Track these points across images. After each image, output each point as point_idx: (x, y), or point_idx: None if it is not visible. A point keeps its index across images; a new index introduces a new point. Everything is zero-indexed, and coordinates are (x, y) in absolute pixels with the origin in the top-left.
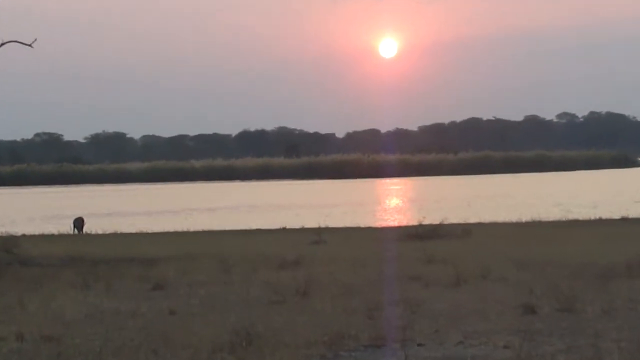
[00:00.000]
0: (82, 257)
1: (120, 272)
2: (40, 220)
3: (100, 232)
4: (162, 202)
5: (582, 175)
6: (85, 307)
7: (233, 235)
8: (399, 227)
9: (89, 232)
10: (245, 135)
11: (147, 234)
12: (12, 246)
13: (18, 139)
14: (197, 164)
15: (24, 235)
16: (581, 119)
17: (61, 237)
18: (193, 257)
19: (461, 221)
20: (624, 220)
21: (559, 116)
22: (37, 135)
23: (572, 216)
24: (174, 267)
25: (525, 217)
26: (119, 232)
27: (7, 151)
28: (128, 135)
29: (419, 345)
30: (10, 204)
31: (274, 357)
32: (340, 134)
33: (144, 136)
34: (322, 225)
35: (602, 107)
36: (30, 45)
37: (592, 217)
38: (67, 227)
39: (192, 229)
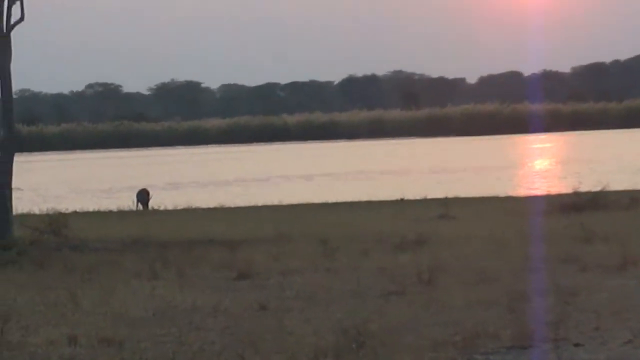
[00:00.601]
0: (148, 239)
1: (196, 257)
2: (94, 194)
3: (170, 207)
4: (247, 168)
5: None
6: (153, 302)
7: (337, 209)
8: (548, 197)
9: (156, 207)
10: (350, 83)
11: (229, 209)
12: (60, 226)
13: (65, 92)
14: (291, 119)
15: (75, 213)
16: None
17: (121, 214)
18: (287, 238)
19: (628, 187)
20: None
21: None
22: (89, 86)
23: None
24: (263, 250)
25: None
26: (193, 207)
27: (52, 107)
28: (203, 85)
29: (575, 345)
30: (57, 173)
31: None
32: (472, 78)
33: (224, 85)
34: (450, 196)
35: None
36: None
37: None
38: (129, 202)
39: (284, 202)
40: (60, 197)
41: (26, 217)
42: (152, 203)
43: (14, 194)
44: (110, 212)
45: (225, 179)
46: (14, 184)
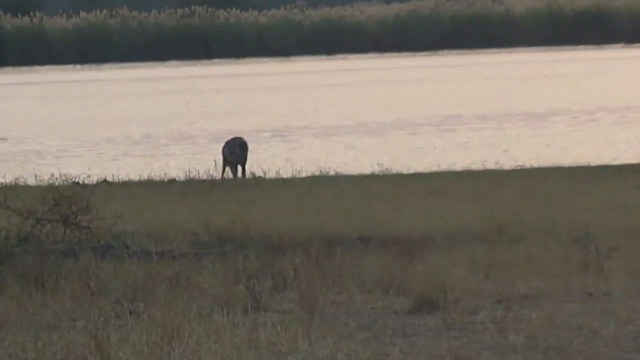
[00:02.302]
0: (243, 234)
1: (335, 269)
2: (137, 146)
3: (285, 173)
4: (421, 99)
5: None
6: (253, 355)
7: (606, 176)
8: None
9: (258, 174)
10: None
11: (395, 177)
12: (76, 210)
13: None
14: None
15: (103, 184)
16: None
17: (191, 186)
18: (508, 232)
19: None
20: None
21: None
22: None
23: None
24: (461, 255)
25: None
26: (327, 172)
27: None
28: None
29: None
30: (68, 105)
31: None
32: None
33: None
34: None
35: None
36: None
37: None
38: (205, 163)
39: (503, 165)
40: (72, 153)
41: (13, 190)
42: (253, 163)
43: None
44: (171, 181)
45: (381, 119)
46: None
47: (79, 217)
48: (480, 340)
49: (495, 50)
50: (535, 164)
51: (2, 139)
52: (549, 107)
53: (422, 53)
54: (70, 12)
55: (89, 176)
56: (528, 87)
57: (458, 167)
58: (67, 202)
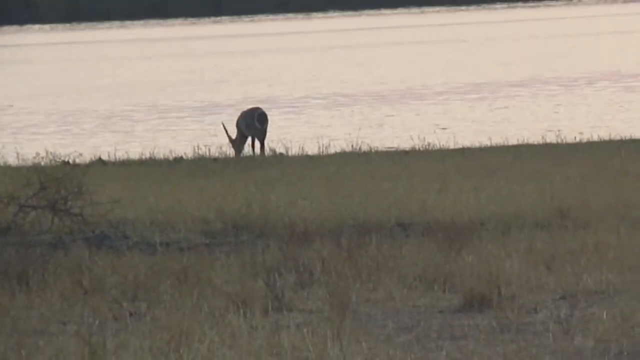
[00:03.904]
0: (264, 221)
1: (375, 261)
2: (132, 120)
3: (310, 149)
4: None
5: None
6: None
7: None
8: None
9: (279, 150)
10: None
11: (455, 151)
12: (66, 194)
13: None
14: None
15: (98, 163)
16: None
17: (199, 164)
18: (591, 214)
19: None
20: None
21: None
22: None
23: None
24: (515, 243)
25: None
26: (360, 148)
27: None
28: None
29: None
30: (53, 70)
31: None
32: None
33: None
34: None
35: None
36: None
37: None
38: (213, 137)
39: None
40: (59, 127)
41: None
42: (273, 137)
43: None
44: (177, 160)
45: (414, 86)
46: None
47: (69, 203)
48: (541, 343)
49: (559, 2)
50: (605, 137)
51: None
52: (617, 70)
53: (469, 7)
54: None
55: (80, 154)
56: (589, 47)
57: (513, 140)
58: (55, 185)
